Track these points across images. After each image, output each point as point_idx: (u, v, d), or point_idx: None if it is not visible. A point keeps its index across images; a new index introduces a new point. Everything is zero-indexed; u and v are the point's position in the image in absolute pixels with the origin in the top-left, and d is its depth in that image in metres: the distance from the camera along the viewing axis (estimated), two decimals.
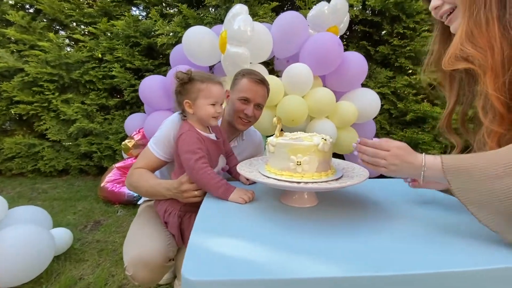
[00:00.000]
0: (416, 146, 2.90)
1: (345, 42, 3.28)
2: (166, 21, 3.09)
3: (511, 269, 0.51)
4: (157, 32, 2.99)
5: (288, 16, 2.15)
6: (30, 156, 3.33)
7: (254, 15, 2.60)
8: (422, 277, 0.49)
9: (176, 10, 3.38)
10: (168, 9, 3.43)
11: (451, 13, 0.67)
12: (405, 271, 0.50)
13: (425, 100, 3.06)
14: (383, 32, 3.11)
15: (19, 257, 1.24)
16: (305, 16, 2.26)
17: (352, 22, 3.10)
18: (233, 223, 0.69)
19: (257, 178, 0.73)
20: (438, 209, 0.79)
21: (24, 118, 3.37)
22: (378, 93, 2.56)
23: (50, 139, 3.30)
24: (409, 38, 2.95)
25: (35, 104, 3.24)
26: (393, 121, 3.09)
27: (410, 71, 3.07)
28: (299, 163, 0.71)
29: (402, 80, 2.90)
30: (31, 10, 3.57)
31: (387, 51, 2.99)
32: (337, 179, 0.74)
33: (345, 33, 3.26)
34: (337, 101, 2.23)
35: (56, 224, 1.93)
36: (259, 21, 2.34)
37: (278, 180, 0.72)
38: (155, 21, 3.06)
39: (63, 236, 1.55)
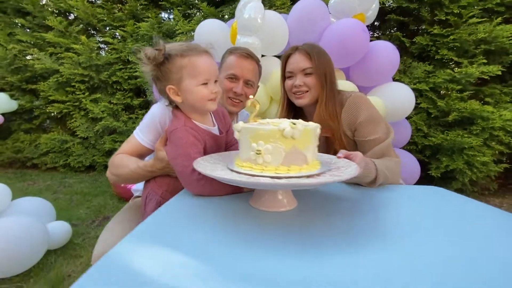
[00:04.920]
0: (461, 151, 2.46)
1: (376, 34, 2.97)
2: (187, 20, 3.08)
3: None
4: (178, 32, 2.99)
5: (306, 3, 1.95)
6: (62, 152, 3.55)
7: (271, 5, 2.45)
8: None
9: (198, 10, 3.38)
10: (191, 8, 3.44)
11: (304, 93, 1.04)
12: None
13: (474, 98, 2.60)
14: (422, 21, 2.74)
15: (10, 249, 1.22)
16: (327, 4, 2.04)
17: (384, 11, 2.78)
18: (183, 232, 0.51)
19: (206, 171, 0.55)
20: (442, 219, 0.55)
21: (58, 117, 3.62)
22: (414, 89, 2.23)
23: (79, 136, 3.48)
24: (453, 26, 2.54)
25: (68, 103, 3.45)
26: (431, 122, 2.68)
27: (454, 64, 2.65)
28: (258, 152, 0.52)
29: (444, 74, 2.50)
30: (71, 17, 3.85)
31: (425, 42, 2.61)
32: (311, 175, 0.54)
33: (376, 24, 2.95)
34: None
35: (67, 217, 1.96)
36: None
37: (237, 172, 0.54)
38: (177, 21, 3.07)
39: (61, 230, 1.53)
